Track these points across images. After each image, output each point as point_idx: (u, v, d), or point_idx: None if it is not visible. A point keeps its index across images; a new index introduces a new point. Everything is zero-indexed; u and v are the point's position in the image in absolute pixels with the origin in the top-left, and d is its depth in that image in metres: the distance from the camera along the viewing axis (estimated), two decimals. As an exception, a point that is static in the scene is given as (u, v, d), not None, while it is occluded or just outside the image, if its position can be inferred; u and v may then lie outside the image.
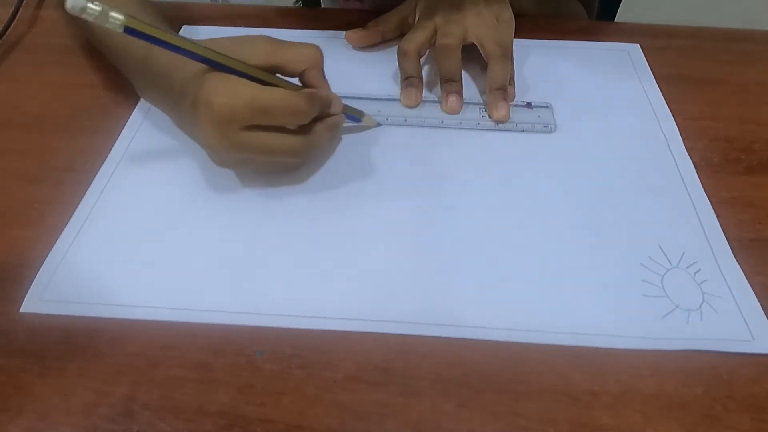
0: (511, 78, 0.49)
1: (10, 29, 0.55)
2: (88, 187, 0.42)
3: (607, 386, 0.32)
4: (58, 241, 0.38)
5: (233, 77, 0.37)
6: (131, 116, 0.47)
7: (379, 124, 0.47)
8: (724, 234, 0.39)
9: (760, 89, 0.52)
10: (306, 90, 0.39)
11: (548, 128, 0.47)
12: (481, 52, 0.49)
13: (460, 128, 0.47)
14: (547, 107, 0.48)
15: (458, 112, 0.48)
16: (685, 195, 0.42)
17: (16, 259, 0.38)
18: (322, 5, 0.73)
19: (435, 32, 0.49)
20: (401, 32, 0.53)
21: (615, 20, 0.64)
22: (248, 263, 0.38)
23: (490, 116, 0.47)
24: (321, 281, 0.37)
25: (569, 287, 0.37)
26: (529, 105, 0.49)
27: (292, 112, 0.37)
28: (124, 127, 0.46)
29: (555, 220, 0.40)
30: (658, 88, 0.51)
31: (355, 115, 0.46)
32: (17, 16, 0.57)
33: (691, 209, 0.41)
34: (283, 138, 0.38)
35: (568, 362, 0.33)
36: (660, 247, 0.39)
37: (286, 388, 0.32)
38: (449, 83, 0.48)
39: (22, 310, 0.35)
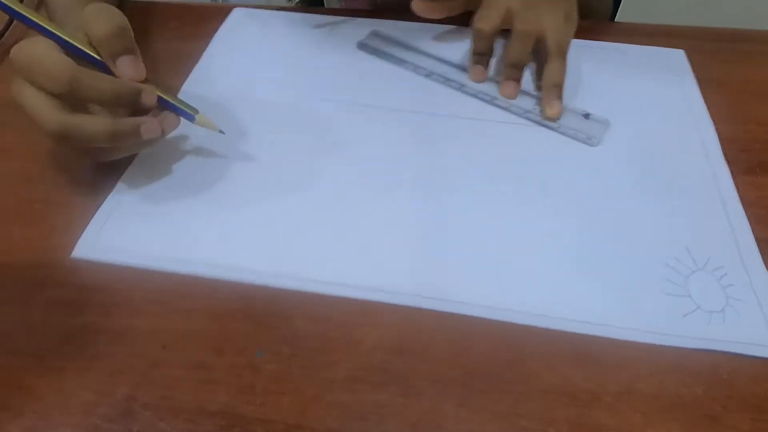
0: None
1: (10, 29, 0.55)
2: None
3: (607, 386, 0.32)
4: (107, 200, 0.41)
5: (45, 39, 0.37)
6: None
7: (221, 131, 0.42)
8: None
9: (760, 89, 0.52)
10: (81, 67, 0.36)
11: (591, 141, 0.46)
12: (543, 46, 0.49)
13: (507, 111, 0.48)
14: (603, 123, 0.47)
15: (514, 99, 0.48)
16: (718, 200, 0.41)
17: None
18: (326, 5, 0.72)
19: (507, 14, 0.49)
20: (467, 9, 0.53)
21: (615, 20, 0.64)
22: (290, 226, 0.39)
23: (543, 112, 0.47)
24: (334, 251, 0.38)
25: (590, 278, 0.37)
26: (586, 116, 0.48)
27: (48, 73, 0.35)
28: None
29: (583, 214, 0.40)
30: (699, 94, 0.50)
31: (188, 111, 0.41)
32: (17, 16, 0.57)
33: (722, 214, 0.40)
34: (44, 103, 0.36)
35: (568, 362, 0.33)
36: (687, 248, 0.38)
37: (286, 388, 0.32)
38: (513, 69, 0.48)
39: (72, 255, 0.38)
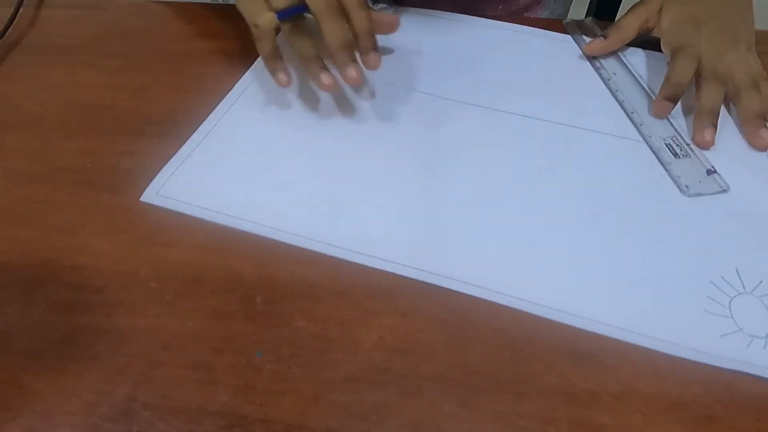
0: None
1: (10, 29, 0.55)
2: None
3: (607, 386, 0.32)
4: (174, 156, 0.44)
5: None
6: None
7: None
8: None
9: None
10: None
11: (688, 192, 0.42)
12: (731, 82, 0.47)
13: (636, 128, 0.46)
14: (720, 186, 0.42)
15: (712, 146, 0.45)
16: None
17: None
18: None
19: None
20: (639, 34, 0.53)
21: (615, 20, 0.64)
22: (335, 192, 0.41)
23: (693, 139, 0.45)
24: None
25: (630, 284, 0.36)
26: (710, 171, 0.43)
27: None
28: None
29: (636, 221, 0.40)
30: None
31: None
32: (17, 16, 0.57)
33: None
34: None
35: (568, 362, 0.33)
36: (737, 270, 0.37)
37: (286, 388, 0.32)
38: (712, 115, 0.46)
39: (142, 199, 0.40)
